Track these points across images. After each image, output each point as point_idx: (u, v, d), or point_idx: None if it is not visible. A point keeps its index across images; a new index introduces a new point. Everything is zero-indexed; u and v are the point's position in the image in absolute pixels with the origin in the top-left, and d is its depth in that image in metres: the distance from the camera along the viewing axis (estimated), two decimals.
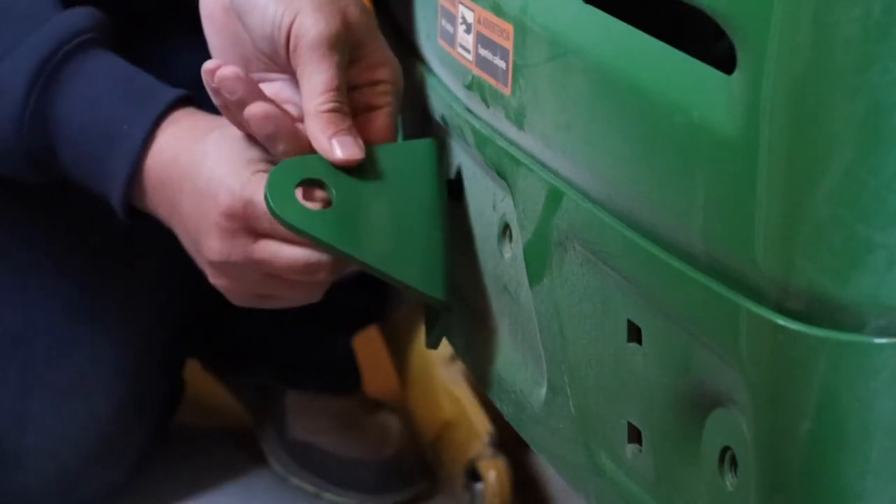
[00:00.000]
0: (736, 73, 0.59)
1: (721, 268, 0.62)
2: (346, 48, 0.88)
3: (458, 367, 1.33)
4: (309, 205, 0.86)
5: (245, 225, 0.88)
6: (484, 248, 0.89)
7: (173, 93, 0.97)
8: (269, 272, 0.90)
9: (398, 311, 1.40)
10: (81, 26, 0.98)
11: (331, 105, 0.86)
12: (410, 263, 0.89)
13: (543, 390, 0.83)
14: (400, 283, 0.87)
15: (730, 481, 0.66)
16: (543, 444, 0.85)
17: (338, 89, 0.87)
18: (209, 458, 1.36)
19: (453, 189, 0.92)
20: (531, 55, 0.76)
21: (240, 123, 0.89)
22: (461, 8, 0.84)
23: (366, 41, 0.89)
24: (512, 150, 0.81)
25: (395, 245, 0.88)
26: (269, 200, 0.85)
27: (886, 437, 0.59)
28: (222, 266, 0.91)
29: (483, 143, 0.84)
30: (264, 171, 0.88)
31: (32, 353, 1.17)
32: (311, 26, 0.86)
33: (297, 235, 0.86)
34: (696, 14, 0.62)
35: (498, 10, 0.79)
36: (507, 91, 0.79)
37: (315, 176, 0.86)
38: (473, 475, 1.25)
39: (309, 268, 0.88)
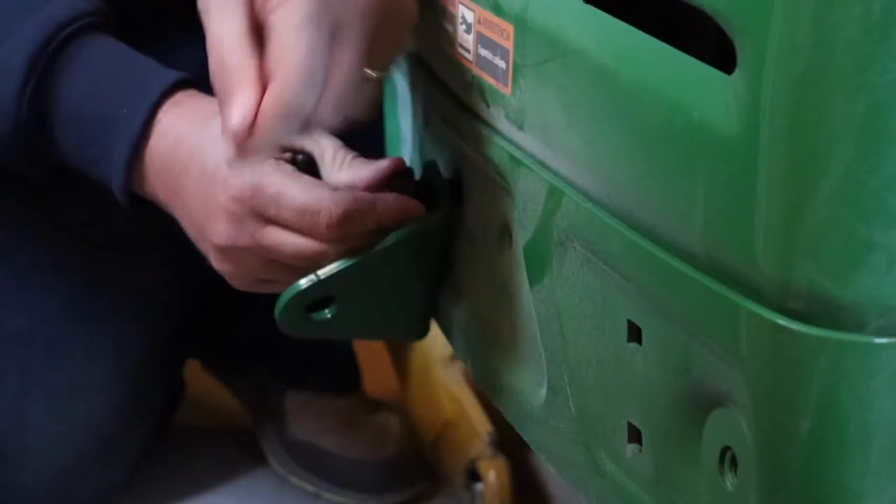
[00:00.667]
0: (736, 73, 0.59)
1: (721, 268, 0.62)
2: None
3: (458, 367, 1.33)
4: (315, 315, 0.91)
5: (253, 209, 0.88)
6: (484, 248, 0.89)
7: (174, 74, 0.96)
8: (274, 258, 0.90)
9: None
10: (81, 10, 0.98)
11: None
12: (397, 322, 0.96)
13: (543, 390, 0.83)
14: (384, 338, 0.92)
15: (730, 481, 0.66)
16: (543, 444, 0.85)
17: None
18: (209, 458, 1.36)
19: (453, 189, 0.92)
20: (531, 55, 0.76)
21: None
22: (461, 8, 0.84)
23: None
24: (512, 150, 0.81)
25: (386, 315, 0.94)
26: (280, 324, 0.90)
27: (886, 437, 0.59)
28: (228, 250, 0.91)
29: (483, 143, 0.84)
30: (273, 156, 0.88)
31: (32, 353, 1.17)
32: None
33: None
34: (696, 14, 0.62)
35: (498, 10, 0.79)
36: (507, 91, 0.79)
37: (323, 295, 0.90)
38: (473, 475, 1.25)
39: (315, 257, 0.89)
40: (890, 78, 0.55)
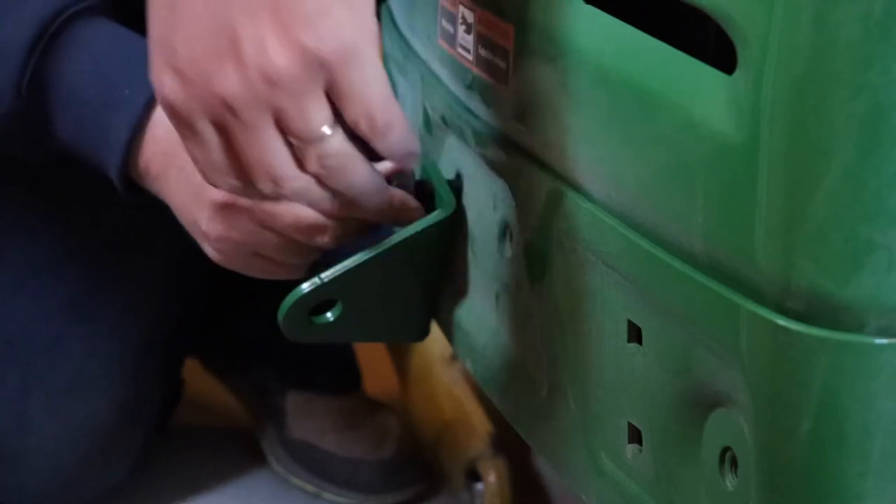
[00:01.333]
0: (736, 73, 0.59)
1: (721, 268, 0.62)
2: None
3: (458, 367, 1.33)
4: (318, 319, 0.90)
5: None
6: (484, 248, 0.89)
7: None
8: (270, 225, 0.89)
9: None
10: None
11: None
12: (399, 323, 0.95)
13: (543, 390, 0.83)
14: (385, 341, 0.92)
15: (730, 481, 0.66)
16: (543, 444, 0.85)
17: None
18: (209, 458, 1.36)
19: (454, 189, 0.92)
20: (531, 55, 0.76)
21: None
22: (461, 8, 0.84)
23: None
24: (512, 150, 0.81)
25: (387, 316, 0.94)
26: (284, 329, 0.90)
27: (887, 438, 0.59)
28: (225, 209, 0.90)
29: (483, 144, 0.84)
30: None
31: (31, 353, 1.17)
32: None
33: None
34: (696, 14, 0.62)
35: (498, 10, 0.79)
36: (507, 91, 0.79)
37: (325, 298, 0.89)
38: (473, 475, 1.25)
39: (312, 229, 0.88)
40: (891, 78, 0.55)
